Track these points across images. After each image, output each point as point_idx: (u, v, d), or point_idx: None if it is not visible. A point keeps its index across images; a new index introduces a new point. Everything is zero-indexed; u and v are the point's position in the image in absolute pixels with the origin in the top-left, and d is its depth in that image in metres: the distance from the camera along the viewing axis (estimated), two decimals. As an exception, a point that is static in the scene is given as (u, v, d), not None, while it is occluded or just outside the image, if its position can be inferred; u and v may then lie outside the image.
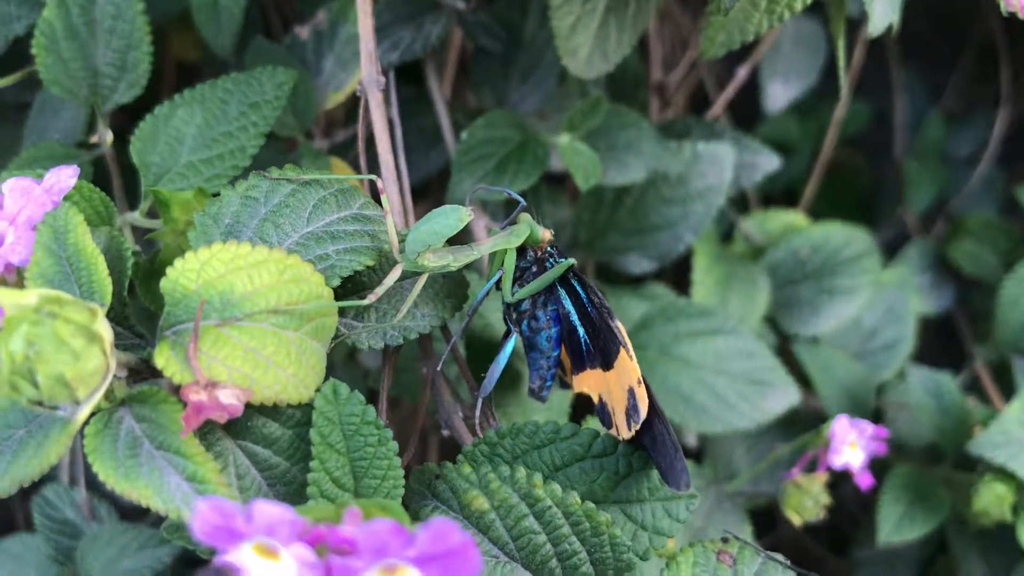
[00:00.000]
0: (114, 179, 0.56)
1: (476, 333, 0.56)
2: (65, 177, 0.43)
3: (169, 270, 0.38)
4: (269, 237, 0.42)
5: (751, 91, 0.88)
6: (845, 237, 0.86)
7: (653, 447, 0.43)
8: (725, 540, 0.47)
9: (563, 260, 0.45)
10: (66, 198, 0.44)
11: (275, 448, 0.40)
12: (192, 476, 0.36)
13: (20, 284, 0.43)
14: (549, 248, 0.46)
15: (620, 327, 0.44)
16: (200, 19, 0.62)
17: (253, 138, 0.51)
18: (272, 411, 0.40)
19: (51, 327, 0.33)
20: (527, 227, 0.45)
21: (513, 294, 0.45)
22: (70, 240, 0.39)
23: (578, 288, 0.45)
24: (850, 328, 0.87)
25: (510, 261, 0.45)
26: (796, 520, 0.67)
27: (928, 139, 1.03)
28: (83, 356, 0.33)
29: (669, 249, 0.72)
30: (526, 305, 0.46)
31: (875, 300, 0.88)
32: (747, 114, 0.95)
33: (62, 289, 0.38)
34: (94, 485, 0.72)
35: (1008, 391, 0.88)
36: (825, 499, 0.67)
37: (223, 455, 0.39)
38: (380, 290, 0.41)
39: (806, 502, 0.66)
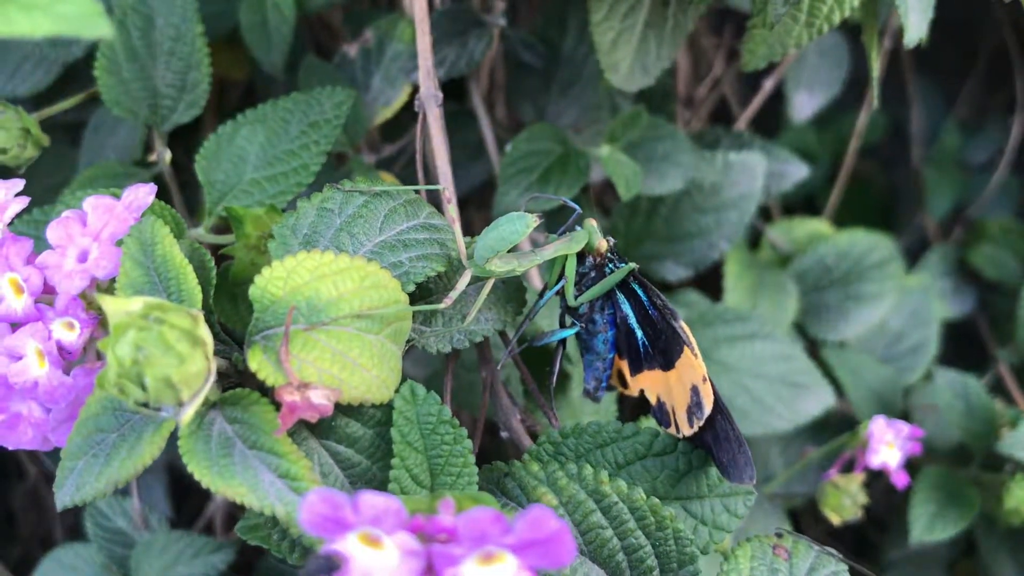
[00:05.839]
0: (174, 197, 0.58)
1: (526, 338, 0.58)
2: (143, 194, 0.45)
3: (257, 278, 0.40)
4: (345, 246, 0.43)
5: (771, 103, 0.90)
6: (869, 244, 0.88)
7: (715, 443, 0.45)
8: (779, 535, 0.49)
9: (623, 265, 0.47)
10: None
11: (357, 447, 0.42)
12: (286, 473, 0.37)
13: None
14: (608, 254, 0.47)
15: (684, 327, 0.46)
16: (250, 38, 0.64)
17: (315, 156, 0.53)
18: (354, 412, 0.42)
19: (158, 332, 0.34)
20: (586, 233, 0.46)
21: (575, 298, 0.47)
22: (158, 251, 0.41)
23: (639, 291, 0.47)
24: (876, 332, 0.89)
25: (571, 267, 0.46)
26: (835, 519, 0.68)
27: (945, 147, 1.05)
28: (188, 359, 0.35)
29: (704, 256, 0.74)
30: (584, 308, 0.48)
31: (899, 305, 0.90)
32: (767, 125, 0.97)
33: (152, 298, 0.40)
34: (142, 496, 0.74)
35: (1031, 392, 0.90)
36: (862, 498, 0.68)
37: (309, 454, 0.41)
38: (454, 294, 0.43)
39: (844, 501, 0.68)
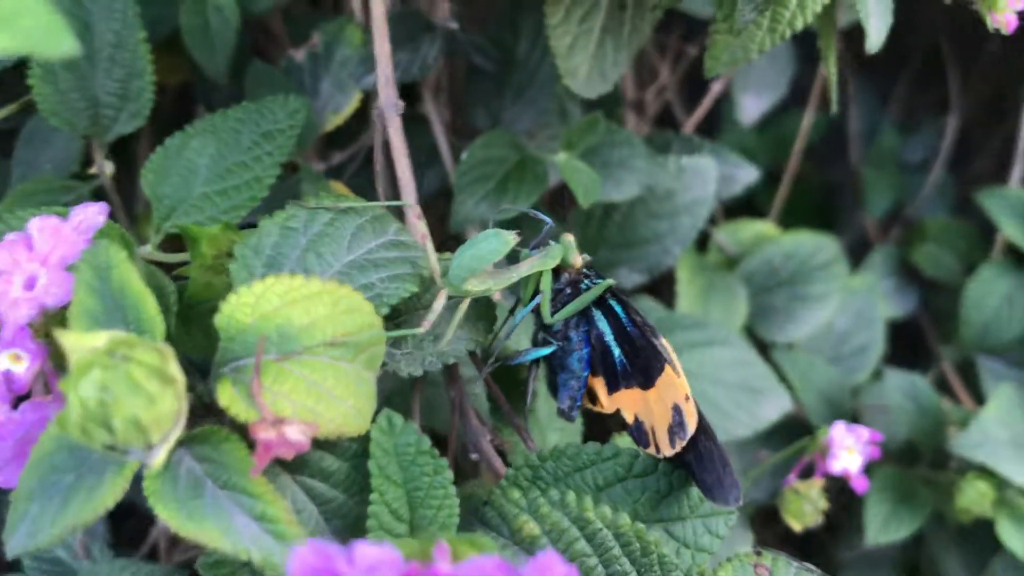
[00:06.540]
0: (117, 212, 0.55)
1: (498, 357, 0.56)
2: (93, 214, 0.42)
3: (223, 305, 0.37)
4: (312, 267, 0.41)
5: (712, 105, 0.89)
6: (814, 245, 0.88)
7: (699, 463, 0.44)
8: (759, 553, 0.48)
9: (600, 281, 0.45)
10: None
11: (332, 481, 0.40)
12: (261, 516, 0.35)
13: (47, 327, 0.42)
14: (584, 270, 0.46)
15: (665, 344, 0.45)
16: (192, 43, 0.61)
17: (269, 168, 0.50)
18: (328, 444, 0.40)
19: (125, 371, 0.32)
20: (562, 249, 0.45)
21: (551, 315, 0.45)
22: (114, 277, 0.38)
23: (617, 308, 0.46)
24: (823, 334, 0.89)
25: (547, 283, 0.45)
26: (796, 526, 0.68)
27: (882, 147, 1.05)
28: (158, 399, 0.32)
29: (658, 262, 0.73)
30: (559, 326, 0.46)
31: (845, 306, 0.90)
32: (706, 127, 0.97)
33: (108, 328, 0.37)
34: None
35: (974, 389, 0.91)
36: (823, 504, 0.68)
37: (281, 491, 0.39)
38: (432, 317, 0.41)
39: (806, 508, 0.68)
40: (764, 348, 0.86)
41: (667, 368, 0.44)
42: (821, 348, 0.89)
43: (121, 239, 0.46)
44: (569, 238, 0.45)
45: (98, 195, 0.56)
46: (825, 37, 0.60)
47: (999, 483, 0.75)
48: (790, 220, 0.97)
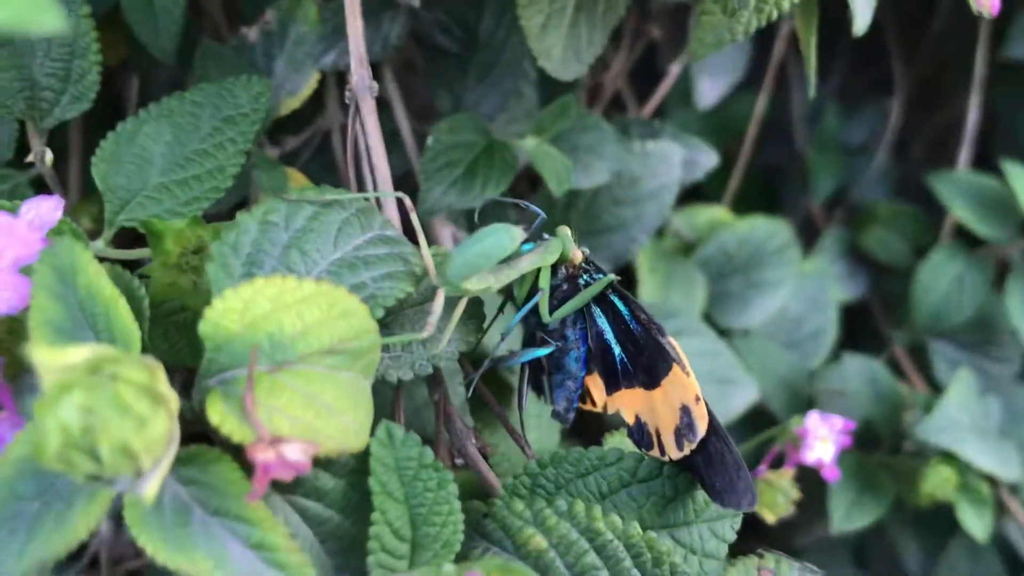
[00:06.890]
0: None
1: (475, 356, 0.53)
2: (48, 210, 0.38)
3: (208, 311, 0.33)
4: (296, 266, 0.38)
5: (653, 88, 0.87)
6: (768, 230, 0.87)
7: (708, 466, 0.42)
8: (761, 556, 0.46)
9: (600, 276, 0.43)
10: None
11: (327, 501, 0.36)
12: (259, 544, 0.32)
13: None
14: (584, 264, 0.43)
15: (673, 343, 0.42)
16: (134, 19, 0.56)
17: (232, 156, 0.46)
18: (323, 460, 0.36)
19: (112, 391, 0.28)
20: (560, 243, 0.42)
21: (550, 314, 0.42)
22: (81, 282, 0.34)
23: (619, 305, 0.43)
24: (777, 319, 0.88)
25: (546, 280, 0.42)
26: (769, 518, 0.66)
27: (826, 129, 1.05)
28: (150, 421, 0.28)
29: (623, 250, 0.71)
30: (555, 324, 0.44)
31: (798, 291, 0.89)
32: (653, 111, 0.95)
33: (75, 339, 0.33)
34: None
35: (925, 372, 0.91)
36: (795, 494, 0.67)
37: (273, 513, 0.35)
38: (433, 319, 0.38)
39: (778, 498, 0.66)
40: (721, 335, 0.85)
41: (675, 368, 0.42)
42: (776, 334, 0.88)
43: (73, 235, 0.42)
44: (566, 231, 0.43)
45: (37, 184, 0.52)
46: (806, 18, 0.58)
47: (961, 468, 0.75)
48: (737, 204, 0.96)
